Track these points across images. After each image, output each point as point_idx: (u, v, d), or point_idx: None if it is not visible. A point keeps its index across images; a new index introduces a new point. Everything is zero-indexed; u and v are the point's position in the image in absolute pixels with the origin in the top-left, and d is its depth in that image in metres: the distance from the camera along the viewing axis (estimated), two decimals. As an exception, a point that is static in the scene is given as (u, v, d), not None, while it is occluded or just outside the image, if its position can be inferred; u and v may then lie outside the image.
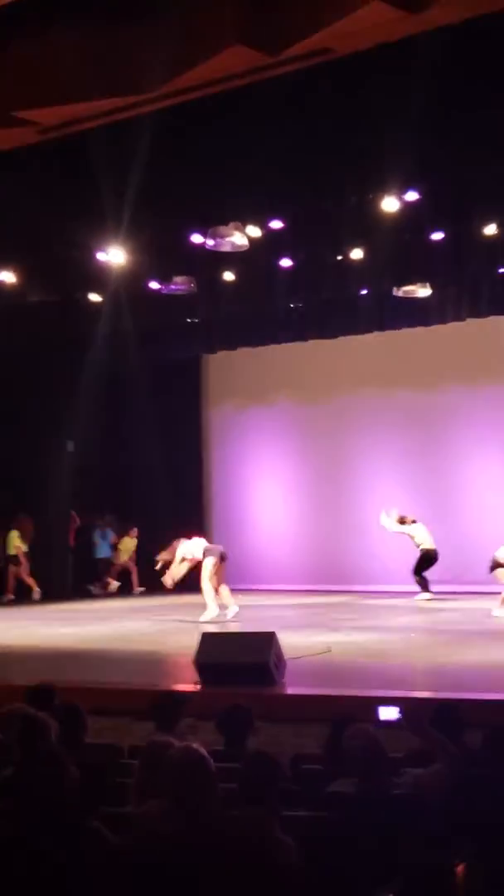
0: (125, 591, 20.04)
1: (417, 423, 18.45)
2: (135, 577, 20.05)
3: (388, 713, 5.82)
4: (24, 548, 18.58)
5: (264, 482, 19.80)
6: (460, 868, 5.09)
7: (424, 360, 18.43)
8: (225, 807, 4.47)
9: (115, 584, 20.17)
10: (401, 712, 5.81)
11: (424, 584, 16.38)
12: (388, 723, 5.81)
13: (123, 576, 20.30)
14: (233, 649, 9.24)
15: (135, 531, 20.08)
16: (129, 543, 20.13)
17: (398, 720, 5.80)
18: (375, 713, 5.87)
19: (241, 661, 9.00)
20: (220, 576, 14.25)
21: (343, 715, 6.36)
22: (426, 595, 16.17)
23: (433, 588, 16.20)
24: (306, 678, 9.39)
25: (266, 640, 9.22)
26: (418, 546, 16.45)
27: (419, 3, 8.73)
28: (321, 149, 11.75)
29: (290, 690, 8.93)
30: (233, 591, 16.14)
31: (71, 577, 20.05)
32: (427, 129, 11.08)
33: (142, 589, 19.69)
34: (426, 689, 8.36)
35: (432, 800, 5.33)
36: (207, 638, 9.49)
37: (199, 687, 8.98)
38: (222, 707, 6.80)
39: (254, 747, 6.30)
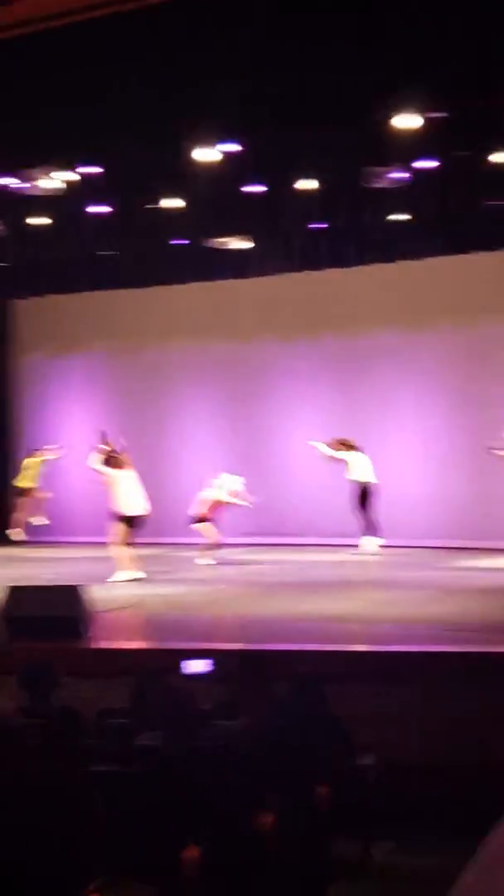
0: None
1: (234, 375, 18.49)
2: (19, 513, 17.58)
3: (195, 665, 5.81)
4: None
5: (76, 432, 19.48)
6: (269, 818, 5.14)
7: (241, 312, 18.45)
8: (29, 762, 4.36)
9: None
10: (208, 664, 5.81)
11: (373, 526, 15.48)
12: (195, 675, 5.79)
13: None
14: (40, 602, 9.07)
15: (42, 451, 17.89)
16: (28, 463, 17.80)
17: (205, 672, 5.80)
18: (182, 666, 5.85)
19: (48, 614, 8.84)
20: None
21: (150, 668, 6.33)
22: (377, 540, 15.29)
23: (246, 540, 16.26)
24: (114, 632, 9.32)
25: (73, 593, 9.10)
26: (353, 478, 15.65)
27: None
28: (140, 96, 11.53)
29: (97, 644, 8.83)
30: (44, 543, 15.93)
31: None
32: (246, 83, 11.03)
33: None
34: (234, 641, 8.39)
35: (240, 751, 5.35)
36: (14, 591, 9.29)
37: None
38: (25, 662, 6.67)
39: (59, 703, 6.21)
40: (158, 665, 6.52)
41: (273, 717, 5.72)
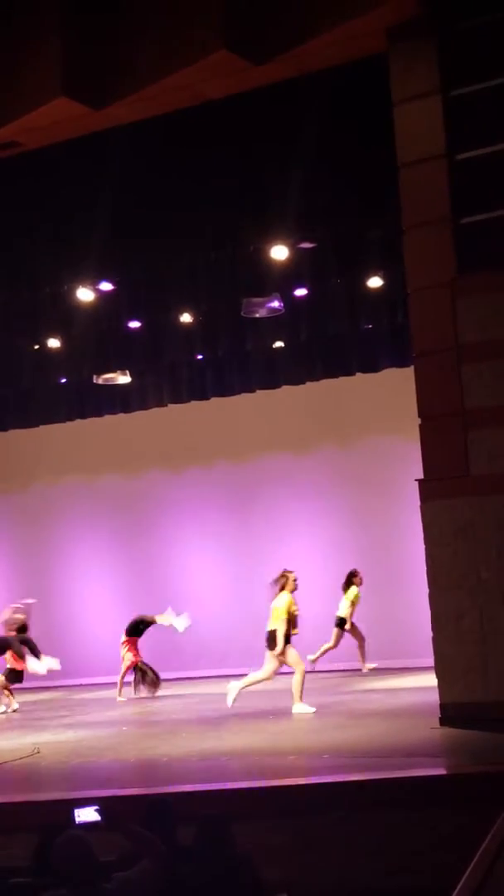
0: None
1: (123, 509, 18.41)
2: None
3: (86, 815, 5.58)
4: None
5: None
6: None
7: (128, 445, 18.49)
8: None
9: None
10: (99, 812, 5.59)
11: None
12: (87, 825, 5.58)
13: None
14: None
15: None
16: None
17: (98, 821, 5.59)
18: (74, 816, 5.64)
19: None
20: None
21: (51, 821, 6.10)
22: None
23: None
24: (12, 785, 9.00)
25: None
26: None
27: (102, 100, 8.90)
28: (12, 240, 11.68)
29: (-5, 800, 8.50)
30: None
31: None
32: (118, 222, 11.25)
33: None
34: (136, 786, 8.14)
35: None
36: None
37: None
38: None
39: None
40: (59, 818, 6.28)
41: (177, 862, 5.54)
